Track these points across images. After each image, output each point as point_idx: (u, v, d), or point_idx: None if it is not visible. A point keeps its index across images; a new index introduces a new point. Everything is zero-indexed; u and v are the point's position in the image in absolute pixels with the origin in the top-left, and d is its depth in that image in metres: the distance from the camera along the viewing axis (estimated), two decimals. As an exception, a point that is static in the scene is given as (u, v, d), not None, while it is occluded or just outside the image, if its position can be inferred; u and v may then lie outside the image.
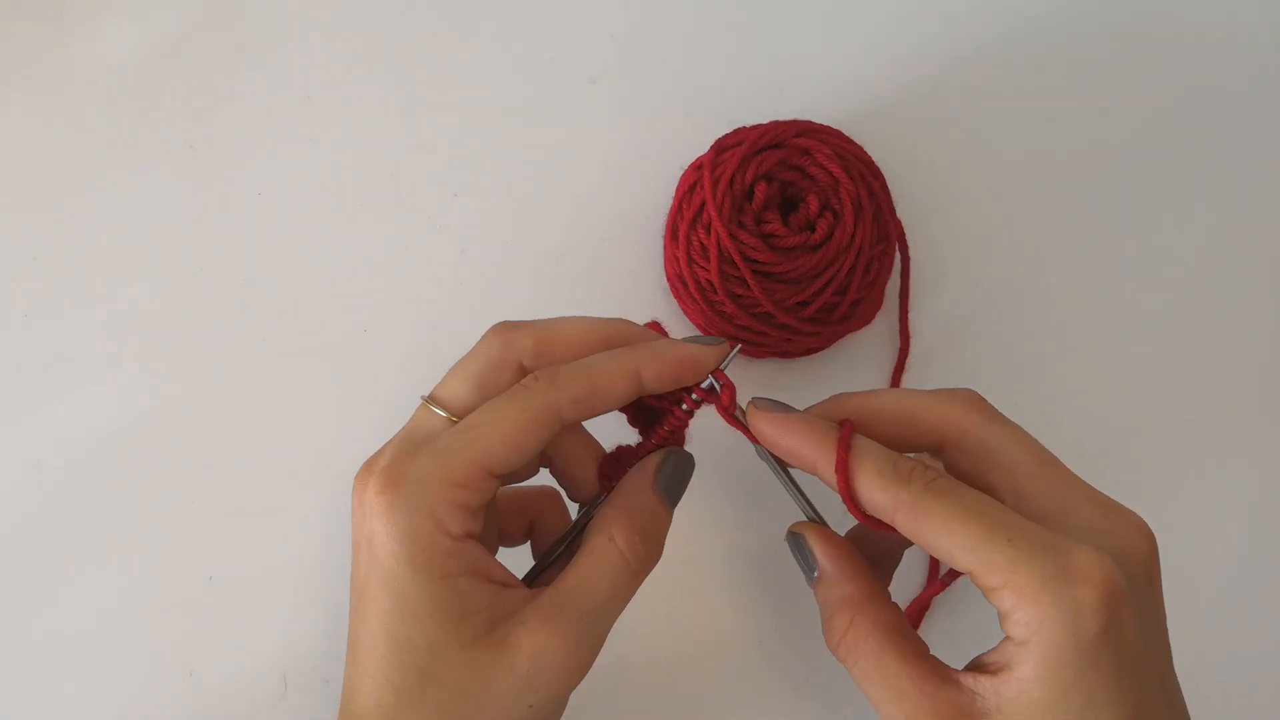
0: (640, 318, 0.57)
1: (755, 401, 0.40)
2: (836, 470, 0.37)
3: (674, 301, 0.57)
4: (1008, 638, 0.35)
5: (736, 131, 0.54)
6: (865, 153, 0.54)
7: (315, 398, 0.56)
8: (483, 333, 0.41)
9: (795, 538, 0.41)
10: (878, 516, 0.37)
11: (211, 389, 0.56)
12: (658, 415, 0.41)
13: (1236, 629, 0.54)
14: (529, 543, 0.46)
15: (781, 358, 0.56)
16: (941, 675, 0.36)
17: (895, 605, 0.39)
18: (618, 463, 0.42)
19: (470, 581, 0.37)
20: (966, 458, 0.38)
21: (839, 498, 0.37)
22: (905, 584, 0.53)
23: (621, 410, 0.41)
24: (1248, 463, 0.57)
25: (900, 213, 0.56)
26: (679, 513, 0.41)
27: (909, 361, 0.57)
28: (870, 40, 0.61)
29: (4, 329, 0.57)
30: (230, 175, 0.59)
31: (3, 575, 0.54)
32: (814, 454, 0.38)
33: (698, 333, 0.56)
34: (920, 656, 0.37)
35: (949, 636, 0.39)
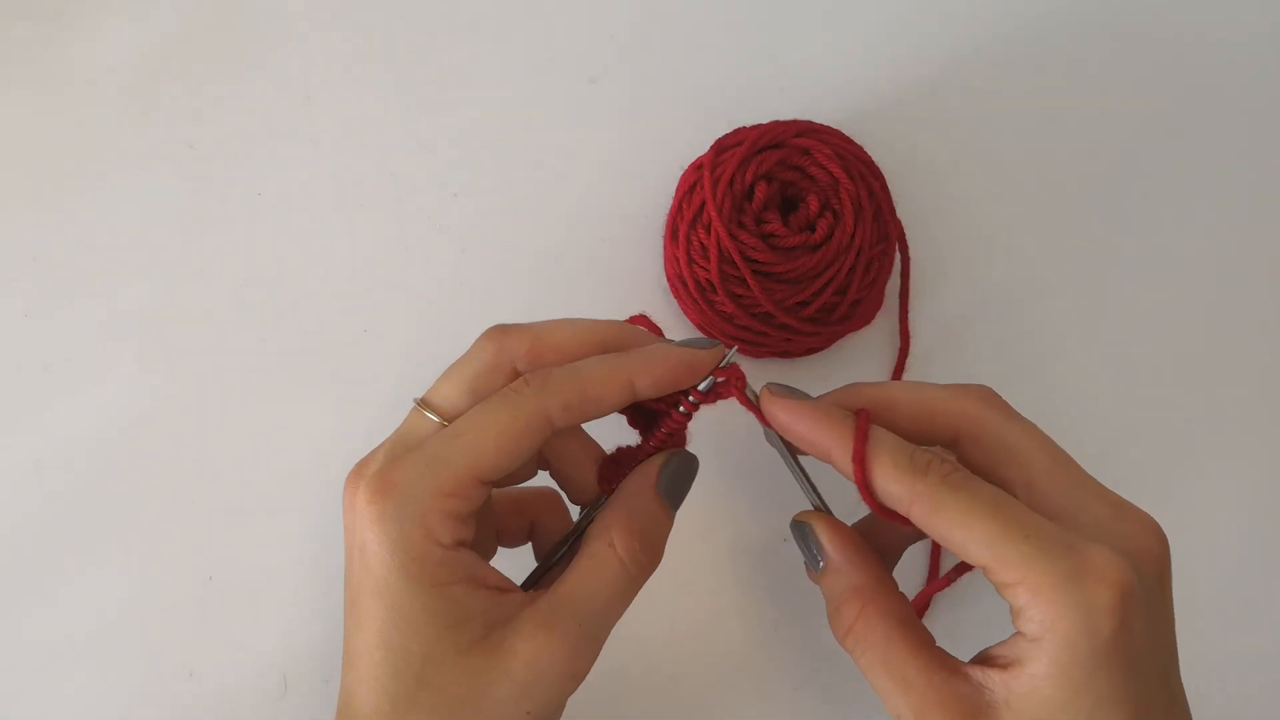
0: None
1: (770, 387, 0.39)
2: (853, 459, 0.37)
3: (674, 301, 0.57)
4: (1019, 633, 0.35)
5: (736, 131, 0.54)
6: (865, 153, 0.54)
7: (315, 398, 0.56)
8: (480, 333, 0.40)
9: (800, 527, 0.41)
10: (892, 508, 0.37)
11: (211, 389, 0.56)
12: (656, 417, 0.41)
13: (1236, 629, 0.54)
14: (531, 544, 0.46)
15: (781, 358, 0.56)
16: (949, 667, 0.36)
17: (903, 595, 0.39)
18: (617, 465, 0.41)
19: (464, 589, 0.37)
20: (981, 452, 0.38)
21: (845, 488, 0.37)
22: (904, 582, 0.53)
23: (621, 411, 0.41)
24: (1248, 463, 0.57)
25: (900, 213, 0.56)
26: (679, 510, 0.41)
27: (909, 361, 0.57)
28: (870, 40, 0.61)
29: (4, 329, 0.57)
30: (230, 175, 0.59)
31: (3, 575, 0.54)
32: (829, 442, 0.37)
33: (698, 334, 0.56)
34: (928, 647, 0.37)
35: (950, 631, 0.38)
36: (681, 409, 0.40)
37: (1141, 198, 0.59)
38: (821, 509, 0.42)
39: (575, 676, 0.37)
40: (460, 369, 0.39)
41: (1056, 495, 0.37)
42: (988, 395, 0.39)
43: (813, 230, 0.52)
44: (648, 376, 0.38)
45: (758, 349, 0.55)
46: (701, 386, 0.40)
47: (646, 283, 0.58)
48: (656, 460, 0.41)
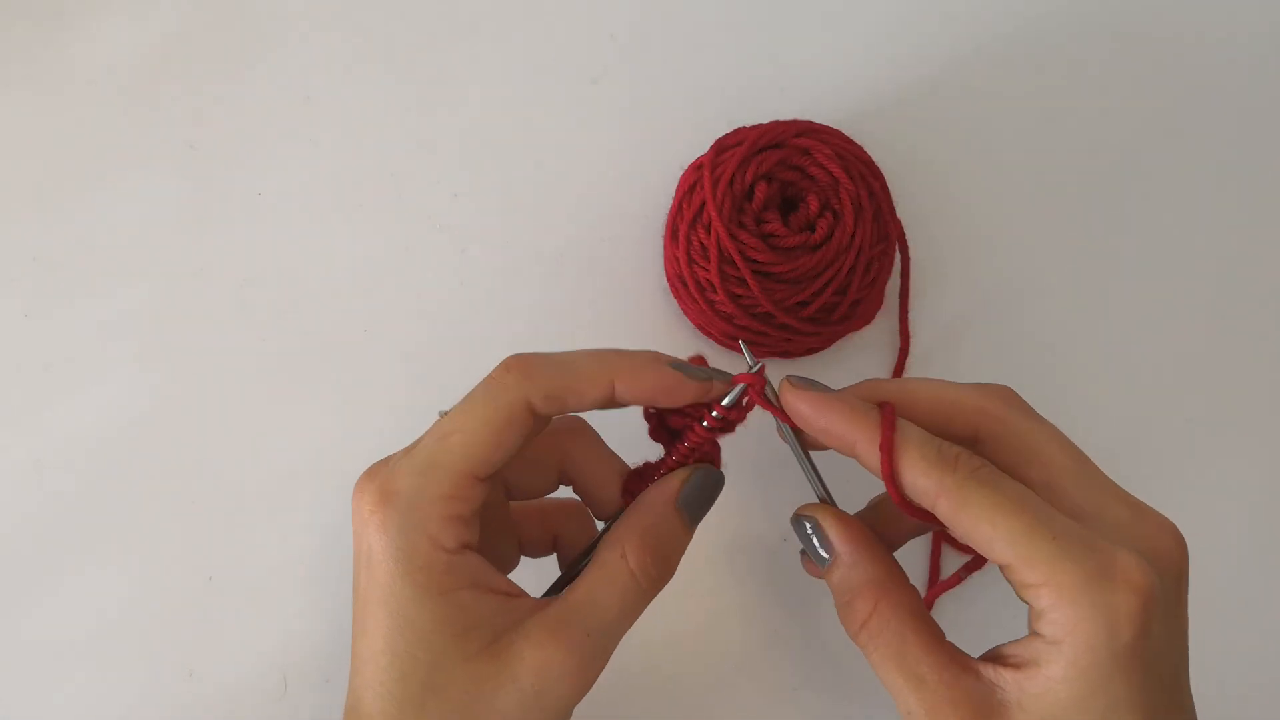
0: (640, 317, 0.57)
1: (790, 379, 0.39)
2: (881, 449, 0.36)
3: (674, 301, 0.57)
4: (1036, 634, 0.35)
5: (736, 131, 0.54)
6: (865, 153, 0.54)
7: (315, 398, 0.56)
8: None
9: (805, 521, 0.40)
10: (917, 501, 0.36)
11: (211, 389, 0.56)
12: (679, 433, 0.41)
13: (1236, 629, 0.54)
14: (556, 555, 0.46)
15: (781, 358, 0.56)
16: (961, 664, 0.36)
17: (915, 589, 0.38)
18: (641, 479, 0.41)
19: (471, 594, 0.37)
20: (1003, 452, 0.38)
21: (845, 485, 0.37)
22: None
23: (645, 420, 0.41)
24: (1248, 463, 0.57)
25: (900, 213, 0.56)
26: None
27: (909, 361, 0.57)
28: (870, 40, 0.61)
29: (4, 329, 0.57)
30: (230, 175, 0.59)
31: (3, 575, 0.54)
32: (854, 434, 0.37)
33: (697, 335, 0.56)
34: (941, 643, 0.37)
35: (949, 629, 0.38)
36: (705, 424, 0.40)
37: (1141, 198, 0.59)
38: (828, 502, 0.41)
39: (582, 686, 0.37)
40: (483, 403, 0.38)
41: (1077, 496, 0.37)
42: (1009, 395, 0.39)
43: (813, 230, 0.52)
44: (628, 384, 0.38)
45: (758, 349, 0.55)
46: (725, 401, 0.39)
47: (646, 283, 0.58)
48: (680, 474, 0.40)
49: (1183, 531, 0.37)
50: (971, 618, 0.53)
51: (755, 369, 0.39)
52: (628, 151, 0.59)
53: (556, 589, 0.43)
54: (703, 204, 0.52)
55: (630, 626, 0.39)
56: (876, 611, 0.37)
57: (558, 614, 0.37)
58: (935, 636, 0.37)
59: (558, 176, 0.59)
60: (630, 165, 0.59)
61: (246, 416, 0.56)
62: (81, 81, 0.60)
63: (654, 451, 0.42)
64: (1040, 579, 0.34)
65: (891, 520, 0.42)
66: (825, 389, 0.39)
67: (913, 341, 0.57)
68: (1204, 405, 0.57)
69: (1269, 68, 0.61)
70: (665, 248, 0.56)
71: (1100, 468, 0.38)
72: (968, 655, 0.37)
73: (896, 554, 0.41)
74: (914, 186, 0.58)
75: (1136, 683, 0.33)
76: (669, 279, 0.56)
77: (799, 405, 0.38)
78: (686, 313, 0.56)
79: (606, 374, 0.38)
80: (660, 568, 0.39)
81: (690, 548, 0.39)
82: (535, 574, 0.44)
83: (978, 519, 0.35)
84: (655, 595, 0.39)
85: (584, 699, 0.38)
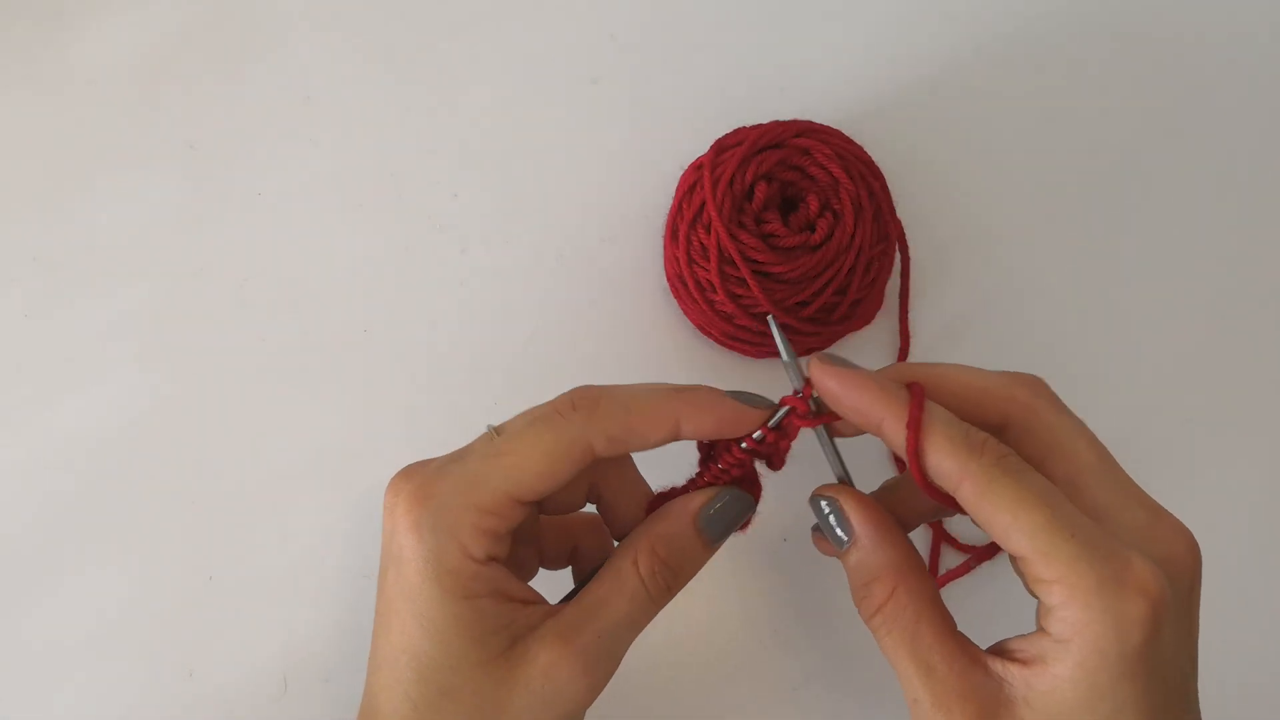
0: (640, 317, 0.57)
1: (819, 355, 0.39)
2: (908, 427, 0.36)
3: (674, 301, 0.57)
4: (1044, 631, 0.35)
5: (736, 131, 0.54)
6: (865, 153, 0.54)
7: (315, 398, 0.56)
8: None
9: (824, 501, 0.40)
10: (940, 484, 0.36)
11: (211, 389, 0.56)
12: (715, 451, 0.41)
13: (1236, 628, 0.54)
14: (571, 568, 0.46)
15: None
16: (971, 656, 0.36)
17: (931, 577, 0.39)
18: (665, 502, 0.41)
19: (493, 601, 0.37)
20: (1030, 443, 0.38)
21: (858, 471, 0.36)
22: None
23: (699, 450, 0.41)
24: (1248, 463, 0.57)
25: (900, 213, 0.56)
26: None
27: (909, 362, 0.56)
28: (870, 40, 0.61)
29: (4, 329, 0.57)
30: (230, 175, 0.59)
31: (3, 575, 0.54)
32: (881, 411, 0.37)
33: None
34: (953, 634, 0.37)
35: (958, 613, 0.38)
36: (744, 445, 0.40)
37: (1141, 198, 0.59)
38: (847, 483, 0.41)
39: (590, 689, 0.37)
40: (541, 430, 0.38)
41: (1098, 494, 0.37)
42: (1039, 385, 0.39)
43: (813, 230, 0.52)
44: (693, 421, 0.38)
45: (758, 349, 0.55)
46: (771, 423, 0.39)
47: (646, 283, 0.58)
48: (708, 492, 0.40)
49: (1185, 532, 0.37)
50: (978, 606, 0.52)
51: (799, 392, 0.39)
52: (628, 151, 0.59)
53: (571, 599, 0.43)
54: (703, 204, 0.52)
55: (638, 632, 0.39)
56: (893, 597, 0.37)
57: (568, 618, 0.38)
58: (948, 626, 0.37)
59: (558, 176, 0.59)
60: (630, 165, 0.59)
61: (246, 416, 0.56)
62: (81, 81, 0.60)
63: (680, 475, 0.42)
64: (1054, 576, 0.34)
65: (904, 504, 0.41)
66: (855, 366, 0.39)
67: (913, 341, 0.57)
68: (1204, 405, 0.57)
69: (1269, 68, 0.61)
70: (665, 248, 0.56)
71: (1123, 467, 0.38)
72: (978, 648, 0.37)
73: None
74: (914, 186, 0.58)
75: (1143, 688, 0.33)
76: (669, 279, 0.56)
77: (828, 382, 0.38)
78: (686, 313, 0.56)
79: (671, 415, 0.38)
80: (669, 577, 0.39)
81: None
82: (553, 583, 0.44)
83: (998, 508, 0.35)
84: (663, 604, 0.39)
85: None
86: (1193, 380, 0.57)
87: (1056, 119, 0.60)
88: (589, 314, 0.57)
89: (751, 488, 0.41)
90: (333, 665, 0.53)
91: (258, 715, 0.53)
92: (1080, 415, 0.42)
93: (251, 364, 0.56)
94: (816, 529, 0.41)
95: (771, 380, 0.56)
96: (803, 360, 0.40)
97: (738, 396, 0.39)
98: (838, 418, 0.39)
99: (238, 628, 0.54)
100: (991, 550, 0.41)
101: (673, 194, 0.56)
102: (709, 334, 0.56)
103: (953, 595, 0.52)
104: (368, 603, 0.40)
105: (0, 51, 0.60)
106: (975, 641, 0.37)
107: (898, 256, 0.57)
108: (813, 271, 0.52)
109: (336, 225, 0.58)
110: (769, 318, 0.42)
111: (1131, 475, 0.38)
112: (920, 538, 0.54)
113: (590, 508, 0.44)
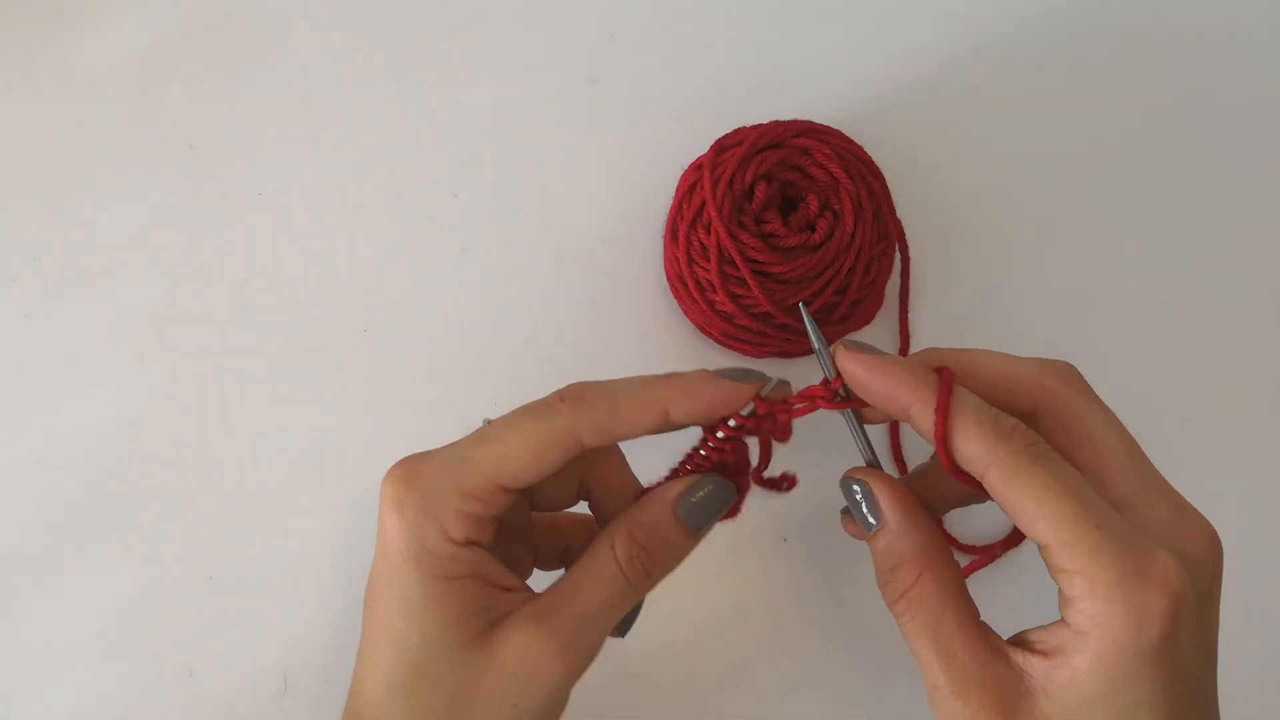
0: (640, 317, 0.57)
1: (844, 342, 0.39)
2: (936, 411, 0.36)
3: (674, 301, 0.57)
4: (1064, 622, 0.35)
5: (736, 131, 0.54)
6: (865, 153, 0.54)
7: (315, 398, 0.56)
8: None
9: (855, 484, 0.39)
10: (967, 469, 0.36)
11: (211, 389, 0.56)
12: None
13: (1236, 628, 0.54)
14: (564, 569, 0.46)
15: (781, 358, 0.56)
16: (993, 646, 0.36)
17: (958, 565, 0.38)
18: None
19: (473, 584, 0.37)
20: (1060, 431, 0.37)
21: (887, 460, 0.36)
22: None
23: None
24: (1247, 463, 0.57)
25: (900, 213, 0.56)
26: None
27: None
28: (870, 40, 0.61)
29: (4, 329, 0.57)
30: (230, 175, 0.59)
31: (3, 575, 0.54)
32: (909, 396, 0.36)
33: (709, 339, 0.56)
34: (975, 623, 0.37)
35: (980, 600, 0.38)
36: (720, 434, 0.39)
37: (1141, 198, 0.59)
38: (875, 466, 0.41)
39: (566, 674, 0.37)
40: (532, 423, 0.38)
41: (1124, 486, 0.36)
42: (1071, 373, 0.39)
43: (813, 230, 0.52)
44: (683, 405, 0.38)
45: (758, 349, 0.55)
46: (763, 391, 0.39)
47: (646, 283, 0.58)
48: (687, 480, 0.40)
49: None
50: (1001, 596, 0.52)
51: (771, 385, 0.39)
52: (628, 151, 0.59)
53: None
54: (703, 204, 0.52)
55: (615, 618, 0.39)
56: (919, 583, 0.37)
57: (544, 601, 0.38)
58: (972, 615, 0.37)
59: (558, 176, 0.59)
60: (630, 165, 0.59)
61: (246, 416, 0.56)
62: (81, 81, 0.60)
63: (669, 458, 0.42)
64: (1077, 567, 0.34)
65: (933, 490, 0.41)
66: (881, 352, 0.39)
67: (913, 341, 0.57)
68: (1204, 405, 0.57)
69: (1269, 68, 0.61)
70: (665, 248, 0.56)
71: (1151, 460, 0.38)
72: (1000, 638, 0.37)
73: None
74: (914, 186, 0.58)
75: (1161, 683, 0.33)
76: (669, 279, 0.56)
77: (854, 369, 0.38)
78: (686, 313, 0.56)
79: (657, 403, 0.38)
80: (646, 562, 0.39)
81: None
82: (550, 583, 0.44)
83: (1025, 495, 0.35)
84: (641, 591, 0.39)
85: (584, 700, 0.38)
86: (1193, 380, 0.57)
87: (1056, 119, 0.60)
88: (589, 314, 0.57)
89: (738, 476, 0.41)
90: (333, 665, 0.53)
91: (258, 715, 0.53)
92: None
93: (251, 364, 0.56)
94: (845, 511, 0.41)
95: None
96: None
97: (728, 374, 0.39)
98: (865, 404, 0.39)
99: (238, 628, 0.54)
100: (1017, 539, 0.41)
101: (673, 194, 0.56)
102: (709, 334, 0.56)
103: (974, 584, 0.53)
104: (368, 603, 0.40)
105: (0, 51, 0.60)
106: (997, 632, 0.37)
107: (898, 256, 0.57)
108: (813, 271, 0.52)
109: (336, 225, 0.58)
110: (800, 305, 0.41)
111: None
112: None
113: (583, 506, 0.44)
